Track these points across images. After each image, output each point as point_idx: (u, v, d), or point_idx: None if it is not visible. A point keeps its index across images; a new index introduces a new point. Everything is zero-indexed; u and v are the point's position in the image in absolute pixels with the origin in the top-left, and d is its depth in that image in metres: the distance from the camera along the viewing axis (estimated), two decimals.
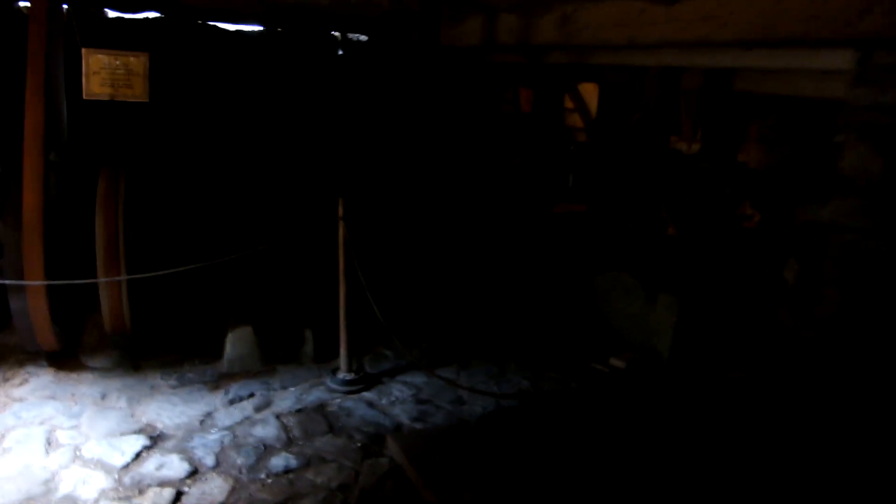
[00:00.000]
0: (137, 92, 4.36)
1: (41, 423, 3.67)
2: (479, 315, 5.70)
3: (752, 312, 4.86)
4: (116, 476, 3.28)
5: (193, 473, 3.35)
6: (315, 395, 4.19)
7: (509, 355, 5.00)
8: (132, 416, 3.81)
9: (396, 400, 4.23)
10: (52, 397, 3.95)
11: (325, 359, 4.65)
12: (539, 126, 6.67)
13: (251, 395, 4.14)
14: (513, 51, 5.63)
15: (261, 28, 6.06)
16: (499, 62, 6.50)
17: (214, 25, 5.81)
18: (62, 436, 3.56)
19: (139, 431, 3.65)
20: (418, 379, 4.52)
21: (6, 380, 4.10)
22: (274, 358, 4.57)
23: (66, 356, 4.37)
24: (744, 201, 5.73)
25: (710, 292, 5.07)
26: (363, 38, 6.62)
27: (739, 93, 5.36)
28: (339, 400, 4.17)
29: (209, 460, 3.45)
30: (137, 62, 4.31)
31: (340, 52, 6.56)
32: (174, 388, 4.18)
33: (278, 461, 3.47)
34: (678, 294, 4.98)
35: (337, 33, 6.50)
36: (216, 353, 4.55)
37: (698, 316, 4.98)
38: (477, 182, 7.04)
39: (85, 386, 4.09)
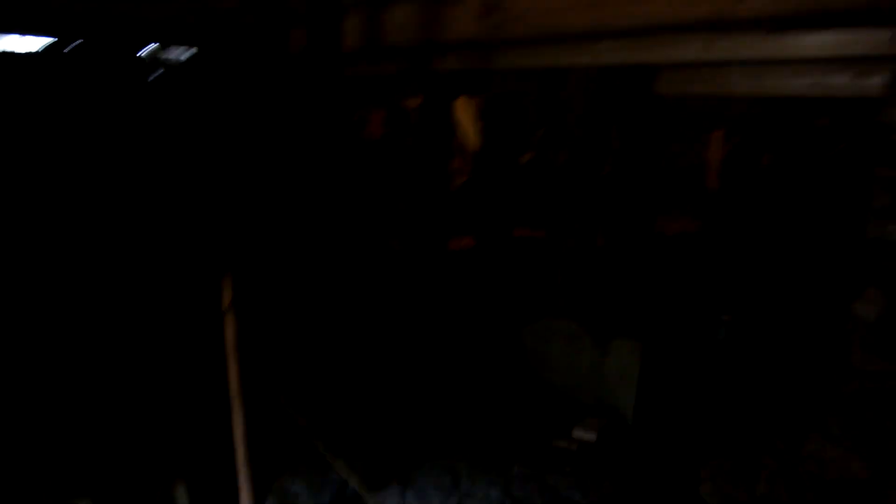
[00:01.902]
0: None
1: None
2: (388, 398, 4.42)
3: (733, 353, 4.12)
4: None
5: None
6: None
7: (454, 452, 3.79)
8: None
9: None
10: None
11: None
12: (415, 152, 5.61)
13: None
14: (400, 55, 4.47)
15: (49, 41, 4.34)
16: (362, 75, 5.29)
17: None
18: None
19: None
20: None
21: None
22: None
23: None
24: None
25: (677, 332, 4.25)
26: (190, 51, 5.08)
27: (660, 97, 4.68)
28: None
29: None
30: None
31: (153, 77, 4.99)
32: None
33: None
34: (637, 337, 4.11)
35: (154, 45, 4.92)
36: None
37: (666, 363, 4.14)
38: (359, 229, 5.77)
39: None
